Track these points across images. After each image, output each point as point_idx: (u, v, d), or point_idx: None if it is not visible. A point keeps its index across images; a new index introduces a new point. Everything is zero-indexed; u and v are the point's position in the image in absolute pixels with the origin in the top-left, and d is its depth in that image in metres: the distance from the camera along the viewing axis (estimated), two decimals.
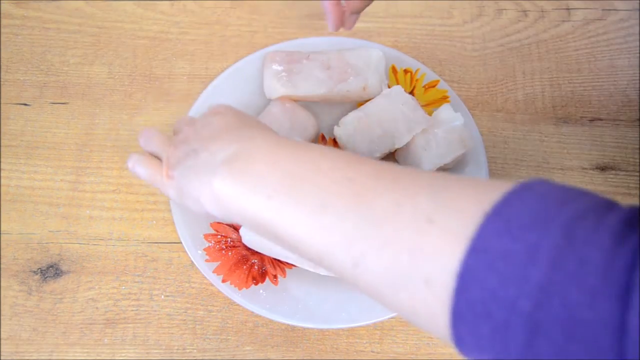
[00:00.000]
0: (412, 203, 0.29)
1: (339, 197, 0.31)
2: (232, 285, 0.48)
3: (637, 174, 0.57)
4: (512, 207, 0.25)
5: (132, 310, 0.50)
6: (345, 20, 0.51)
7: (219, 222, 0.51)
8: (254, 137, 0.37)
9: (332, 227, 0.30)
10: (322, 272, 0.48)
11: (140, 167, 0.42)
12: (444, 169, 0.53)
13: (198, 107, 0.55)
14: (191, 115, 0.43)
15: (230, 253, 0.49)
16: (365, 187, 0.31)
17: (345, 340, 0.49)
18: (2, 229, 0.52)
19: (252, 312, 0.48)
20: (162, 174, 0.40)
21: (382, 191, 0.30)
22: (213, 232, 0.50)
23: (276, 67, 0.54)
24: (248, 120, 0.40)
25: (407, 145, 0.53)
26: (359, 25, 0.63)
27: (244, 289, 0.48)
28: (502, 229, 0.25)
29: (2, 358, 0.48)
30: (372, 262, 0.29)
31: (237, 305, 0.48)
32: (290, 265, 0.50)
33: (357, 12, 0.51)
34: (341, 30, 0.51)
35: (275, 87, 0.54)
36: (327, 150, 0.35)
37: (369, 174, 0.31)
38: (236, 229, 0.51)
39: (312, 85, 0.54)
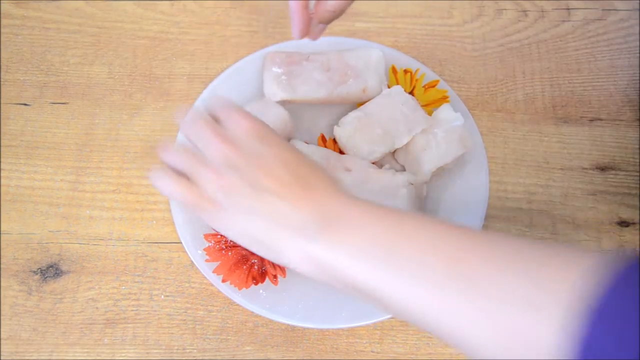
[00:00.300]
0: (508, 280, 0.30)
1: (438, 268, 0.32)
2: (232, 285, 0.48)
3: (637, 174, 0.57)
4: (613, 304, 0.26)
5: (132, 310, 0.50)
6: (311, 28, 0.48)
7: None
8: (336, 199, 0.37)
9: (432, 296, 0.32)
10: None
11: (167, 184, 0.39)
12: (444, 168, 0.53)
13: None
14: (213, 123, 0.40)
15: (230, 253, 0.49)
16: (460, 259, 0.32)
17: (345, 340, 0.49)
18: (2, 229, 0.52)
19: (252, 312, 0.48)
20: (195, 194, 0.38)
21: (478, 265, 0.31)
22: (213, 232, 0.50)
23: (276, 69, 0.54)
24: (307, 162, 0.39)
25: (407, 145, 0.53)
26: (359, 25, 0.64)
27: (244, 289, 0.48)
28: (605, 327, 0.26)
29: (2, 358, 0.48)
30: (471, 333, 0.31)
31: (237, 305, 0.48)
32: None
33: (326, 22, 0.48)
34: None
35: (275, 92, 0.54)
36: (414, 218, 0.36)
37: (462, 244, 0.33)
38: None
39: (312, 88, 0.54)
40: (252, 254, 0.50)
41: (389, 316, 0.48)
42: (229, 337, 0.49)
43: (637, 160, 0.57)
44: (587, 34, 0.64)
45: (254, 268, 0.49)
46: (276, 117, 0.52)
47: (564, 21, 0.65)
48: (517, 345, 0.28)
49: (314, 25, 0.48)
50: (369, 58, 0.55)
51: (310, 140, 0.56)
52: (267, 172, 0.37)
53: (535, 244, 0.32)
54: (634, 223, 0.55)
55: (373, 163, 0.53)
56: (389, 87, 0.56)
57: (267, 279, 0.49)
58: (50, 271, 0.51)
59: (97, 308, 0.50)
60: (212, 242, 0.50)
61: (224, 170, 0.37)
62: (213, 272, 0.48)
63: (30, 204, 0.53)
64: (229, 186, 0.37)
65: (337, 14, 0.47)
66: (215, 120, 0.40)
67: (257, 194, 0.37)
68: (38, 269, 0.51)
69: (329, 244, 0.35)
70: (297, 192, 0.37)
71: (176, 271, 0.51)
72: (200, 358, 0.48)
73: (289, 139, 0.54)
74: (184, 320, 0.49)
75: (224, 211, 0.38)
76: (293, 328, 0.49)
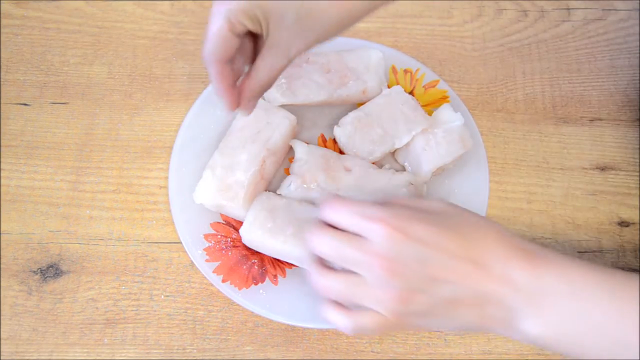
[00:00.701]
0: None
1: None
2: (232, 285, 0.48)
3: (637, 174, 0.57)
4: None
5: (132, 310, 0.50)
6: (243, 103, 0.42)
7: (218, 222, 0.51)
8: (520, 268, 0.36)
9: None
10: None
11: (349, 324, 0.38)
12: (443, 168, 0.53)
13: (198, 107, 0.55)
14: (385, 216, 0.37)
15: (230, 253, 0.49)
16: None
17: (345, 340, 0.49)
18: (2, 229, 0.52)
19: (252, 312, 0.48)
20: (378, 320, 0.37)
21: None
22: (213, 232, 0.50)
23: None
24: (465, 232, 0.37)
25: (407, 145, 0.53)
26: (359, 25, 0.63)
27: (244, 289, 0.48)
28: None
29: (2, 358, 0.48)
30: None
31: (237, 305, 0.48)
32: (290, 265, 0.50)
33: (255, 97, 0.42)
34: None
35: (276, 97, 0.53)
36: (608, 278, 0.36)
37: None
38: (236, 228, 0.51)
39: (312, 91, 0.54)
40: (253, 253, 0.50)
41: None
42: (229, 337, 0.49)
43: (637, 160, 0.57)
44: (587, 34, 0.64)
45: (254, 268, 0.49)
46: (283, 121, 0.52)
47: (564, 21, 0.65)
48: None
49: (244, 100, 0.42)
50: (369, 59, 0.55)
51: (310, 140, 0.56)
52: (437, 269, 0.36)
53: None
54: (634, 223, 0.55)
55: (373, 163, 0.53)
56: (389, 87, 0.56)
57: (267, 279, 0.49)
58: (50, 271, 0.51)
59: (97, 308, 0.50)
60: (212, 242, 0.50)
61: (397, 287, 0.36)
62: (213, 272, 0.48)
63: (30, 204, 0.53)
64: (408, 300, 0.36)
65: (267, 88, 0.42)
66: (335, 226, 0.38)
67: (440, 296, 0.36)
68: (38, 269, 0.51)
69: (542, 325, 0.35)
70: (478, 277, 0.36)
71: (176, 271, 0.51)
72: (200, 358, 0.48)
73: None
74: (184, 320, 0.49)
75: (413, 320, 0.37)
76: (293, 328, 0.49)
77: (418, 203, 0.39)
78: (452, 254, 0.36)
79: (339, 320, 0.38)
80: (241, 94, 0.41)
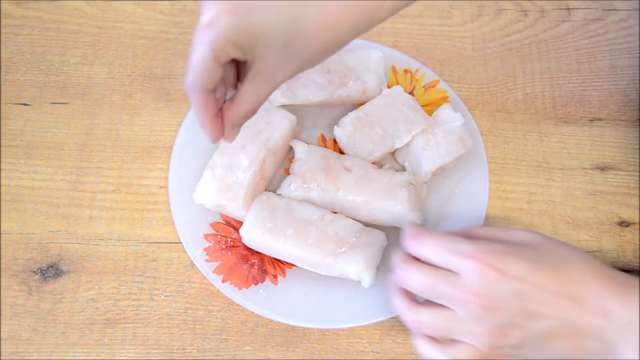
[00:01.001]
0: None
1: None
2: (232, 285, 0.48)
3: (637, 174, 0.57)
4: None
5: (132, 310, 0.50)
6: (225, 131, 0.40)
7: (218, 222, 0.51)
8: (613, 300, 0.36)
9: None
10: (322, 272, 0.48)
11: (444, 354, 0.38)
12: (443, 168, 0.53)
13: None
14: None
15: (230, 253, 0.49)
16: None
17: (345, 340, 0.49)
18: (2, 229, 0.52)
19: (252, 312, 0.48)
20: (474, 353, 0.37)
21: None
22: (213, 232, 0.50)
23: None
24: (559, 266, 0.37)
25: (407, 145, 0.53)
26: None
27: (244, 289, 0.48)
28: None
29: (2, 358, 0.48)
30: None
31: (237, 305, 0.48)
32: (290, 265, 0.50)
33: (239, 125, 0.40)
34: None
35: (275, 97, 0.53)
36: None
37: None
38: (236, 228, 0.51)
39: (312, 92, 0.54)
40: (253, 253, 0.50)
41: (389, 316, 0.47)
42: (229, 337, 0.49)
43: (637, 160, 0.57)
44: (587, 34, 0.64)
45: (254, 268, 0.49)
46: (283, 121, 0.52)
47: (564, 21, 0.65)
48: None
49: (228, 129, 0.40)
50: (369, 59, 0.55)
51: (310, 140, 0.56)
52: (532, 305, 0.36)
53: None
54: (634, 223, 0.55)
55: (373, 163, 0.53)
56: (389, 87, 0.56)
57: (267, 279, 0.49)
58: (50, 271, 0.51)
59: (97, 308, 0.50)
60: (212, 242, 0.50)
61: (492, 323, 0.36)
62: (213, 272, 0.48)
63: (30, 204, 0.53)
64: (503, 334, 0.37)
65: (251, 116, 0.41)
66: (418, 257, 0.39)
67: (536, 331, 0.36)
68: (38, 269, 0.51)
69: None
70: (574, 312, 0.36)
71: (176, 271, 0.51)
72: (200, 358, 0.48)
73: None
74: (184, 320, 0.50)
75: (507, 352, 0.37)
76: (293, 328, 0.49)
77: (505, 234, 0.40)
78: (547, 290, 0.36)
79: (434, 354, 0.38)
80: (224, 121, 0.39)
